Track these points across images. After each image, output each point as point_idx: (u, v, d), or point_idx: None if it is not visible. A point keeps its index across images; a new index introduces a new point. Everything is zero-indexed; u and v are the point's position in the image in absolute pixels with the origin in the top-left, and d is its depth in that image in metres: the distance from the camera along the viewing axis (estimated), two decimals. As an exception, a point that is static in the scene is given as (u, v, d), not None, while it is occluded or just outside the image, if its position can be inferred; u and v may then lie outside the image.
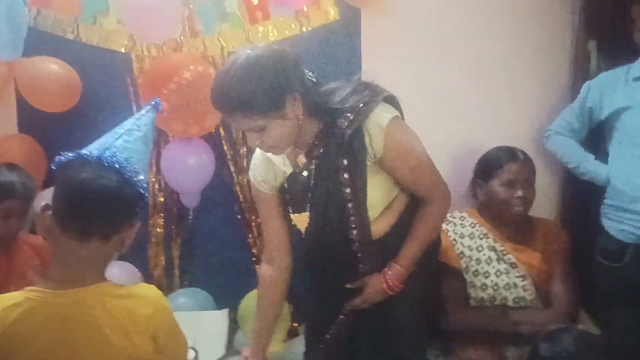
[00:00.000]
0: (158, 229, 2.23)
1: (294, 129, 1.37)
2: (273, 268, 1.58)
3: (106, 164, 1.13)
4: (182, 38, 2.05)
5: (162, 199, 2.21)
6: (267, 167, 1.51)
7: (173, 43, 2.06)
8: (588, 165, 1.91)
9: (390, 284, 1.46)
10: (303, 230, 1.51)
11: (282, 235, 1.57)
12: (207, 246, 2.27)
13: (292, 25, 2.04)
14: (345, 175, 1.39)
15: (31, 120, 2.12)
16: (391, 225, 1.48)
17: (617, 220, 1.81)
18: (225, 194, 2.21)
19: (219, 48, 2.06)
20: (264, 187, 1.53)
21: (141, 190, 1.17)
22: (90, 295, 1.11)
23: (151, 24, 1.88)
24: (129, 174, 1.14)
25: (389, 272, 1.47)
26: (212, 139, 2.13)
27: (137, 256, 2.16)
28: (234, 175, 2.17)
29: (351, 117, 1.36)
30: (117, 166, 1.13)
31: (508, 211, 1.86)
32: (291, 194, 1.50)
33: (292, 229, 1.56)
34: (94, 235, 1.11)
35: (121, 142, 1.19)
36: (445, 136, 2.09)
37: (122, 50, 2.08)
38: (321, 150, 1.42)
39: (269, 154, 1.47)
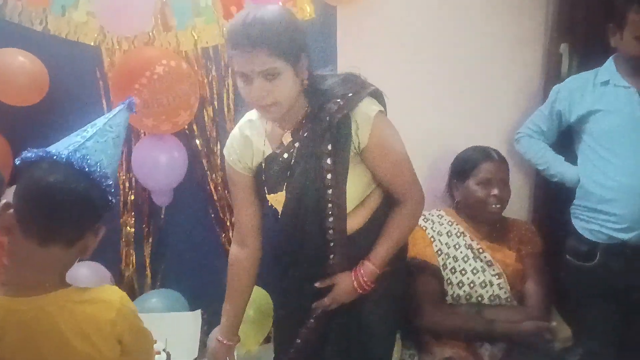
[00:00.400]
0: (129, 228, 2.18)
1: (296, 93, 1.37)
2: (243, 249, 1.57)
3: (76, 167, 1.08)
4: (154, 32, 2.01)
5: (133, 198, 2.16)
6: (245, 146, 1.49)
7: (145, 37, 2.01)
8: (558, 167, 1.95)
9: (362, 281, 1.45)
10: (280, 209, 1.49)
11: (253, 217, 1.56)
12: (180, 246, 2.23)
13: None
14: (328, 161, 1.39)
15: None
16: (364, 222, 1.48)
17: (586, 220, 1.85)
18: (198, 192, 2.17)
19: (192, 43, 2.02)
20: (238, 166, 1.51)
21: (109, 195, 1.13)
22: (52, 302, 1.08)
23: (123, 17, 1.83)
24: (98, 179, 1.10)
25: (361, 270, 1.46)
26: (184, 136, 2.09)
27: (107, 256, 2.12)
28: (208, 173, 2.14)
29: (341, 103, 1.37)
30: (87, 170, 1.09)
31: (485, 210, 1.88)
32: (268, 175, 1.48)
33: (268, 209, 1.54)
34: (57, 241, 1.07)
35: (92, 143, 1.15)
36: (419, 136, 2.07)
37: (92, 43, 2.02)
38: (306, 134, 1.41)
39: (248, 133, 1.48)
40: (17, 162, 1.12)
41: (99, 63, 2.04)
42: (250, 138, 1.49)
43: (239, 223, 1.58)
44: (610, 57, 1.86)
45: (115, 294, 1.15)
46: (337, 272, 1.47)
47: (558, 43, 2.12)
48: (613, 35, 1.79)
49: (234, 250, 1.60)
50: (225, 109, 2.10)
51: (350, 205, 1.45)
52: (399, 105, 1.99)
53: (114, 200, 1.16)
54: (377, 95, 1.47)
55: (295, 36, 1.32)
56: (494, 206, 1.87)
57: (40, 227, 1.06)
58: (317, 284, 1.47)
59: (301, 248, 1.48)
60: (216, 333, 1.65)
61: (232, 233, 2.12)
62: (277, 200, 1.48)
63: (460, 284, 1.85)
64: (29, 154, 1.10)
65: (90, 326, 1.08)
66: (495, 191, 1.87)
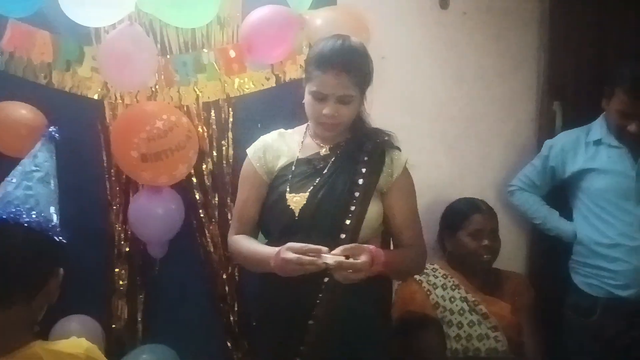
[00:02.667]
0: (121, 281, 2.15)
1: (354, 117, 1.53)
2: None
3: (12, 223, 1.07)
4: (157, 87, 2.05)
5: (127, 249, 2.14)
6: (275, 148, 1.59)
7: (148, 91, 2.05)
8: (554, 222, 1.96)
9: (374, 256, 1.40)
10: (297, 212, 1.50)
11: (255, 214, 1.61)
12: (173, 300, 2.19)
13: (268, 78, 2.06)
14: (360, 181, 1.49)
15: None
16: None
17: (585, 275, 1.84)
18: (194, 245, 2.15)
19: (194, 98, 2.06)
20: (257, 164, 1.59)
21: (56, 236, 1.12)
22: (24, 355, 1.06)
23: (126, 73, 1.87)
24: (36, 225, 1.09)
25: (377, 250, 1.43)
26: (182, 187, 2.10)
27: (98, 309, 2.08)
28: (205, 224, 2.13)
29: (384, 138, 1.55)
30: (21, 221, 1.08)
31: (476, 260, 1.91)
32: (294, 175, 1.54)
33: (281, 210, 1.53)
34: (16, 301, 1.07)
35: (21, 191, 1.14)
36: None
37: (95, 97, 2.06)
38: (344, 152, 1.54)
39: (281, 140, 1.60)
40: None
41: (101, 116, 2.07)
42: (282, 144, 1.60)
43: (241, 216, 1.62)
44: (602, 115, 1.91)
45: (81, 347, 1.12)
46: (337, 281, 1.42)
47: (551, 100, 2.19)
48: (604, 97, 1.85)
49: (231, 236, 1.63)
50: (224, 162, 2.12)
51: (364, 231, 1.48)
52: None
53: (62, 239, 1.14)
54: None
55: (371, 70, 1.52)
56: (485, 257, 1.91)
57: None
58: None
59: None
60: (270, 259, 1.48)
61: (227, 289, 2.11)
62: (297, 201, 1.51)
63: (458, 338, 1.83)
64: None
65: None
66: (485, 242, 1.90)
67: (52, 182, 1.23)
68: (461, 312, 1.86)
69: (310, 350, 1.46)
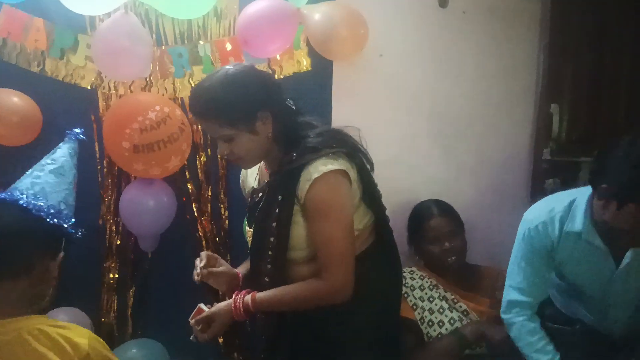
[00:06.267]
0: (112, 274, 2.13)
1: (263, 146, 1.42)
2: None
3: (8, 201, 1.16)
4: (151, 78, 2.03)
5: (118, 242, 2.12)
6: (246, 177, 1.66)
7: (142, 82, 2.03)
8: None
9: (237, 304, 1.42)
10: (250, 244, 1.56)
11: None
12: (163, 294, 2.17)
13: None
14: (277, 210, 1.42)
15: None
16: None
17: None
18: (186, 238, 2.13)
19: (188, 90, 2.04)
20: (244, 190, 1.68)
21: (55, 220, 1.19)
22: (26, 325, 1.12)
23: (121, 63, 1.85)
24: (35, 210, 1.17)
25: (241, 296, 1.43)
26: (174, 180, 2.08)
27: (87, 302, 2.06)
28: (197, 218, 2.11)
29: (295, 157, 1.39)
30: (21, 204, 1.16)
31: (443, 263, 1.92)
32: (250, 208, 1.56)
33: (247, 243, 1.61)
34: (9, 272, 1.12)
35: (29, 179, 1.26)
36: (408, 188, 2.12)
37: (89, 87, 2.03)
38: (273, 180, 1.46)
39: (250, 169, 1.60)
40: None
41: (94, 106, 2.05)
42: (249, 173, 1.64)
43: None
44: (588, 198, 1.49)
45: (83, 328, 1.20)
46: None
47: (548, 102, 2.17)
48: (598, 196, 1.44)
49: None
50: (218, 156, 2.10)
51: (296, 253, 1.44)
52: (389, 157, 2.02)
53: (64, 225, 1.22)
54: (352, 156, 1.44)
55: (248, 99, 1.36)
56: (450, 259, 1.90)
57: None
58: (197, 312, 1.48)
59: (256, 285, 1.48)
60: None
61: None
62: (249, 235, 1.55)
63: (440, 336, 1.82)
64: None
65: (67, 344, 1.12)
66: (446, 244, 1.90)
67: (67, 174, 1.33)
68: (441, 310, 1.86)
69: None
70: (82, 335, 1.16)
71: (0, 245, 1.12)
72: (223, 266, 1.56)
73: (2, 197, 1.18)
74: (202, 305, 1.49)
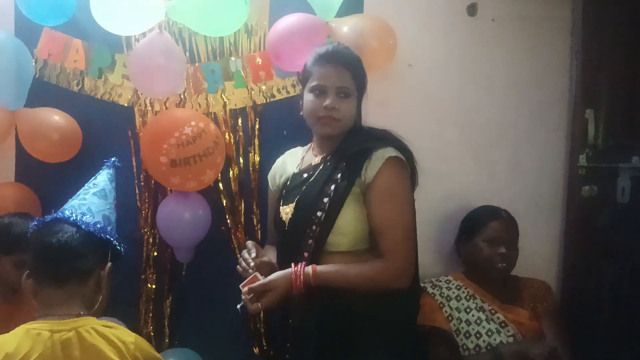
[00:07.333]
0: (149, 285, 2.18)
1: (352, 119, 1.55)
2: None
3: (67, 220, 1.37)
4: (185, 94, 2.08)
5: (155, 254, 2.17)
6: (282, 167, 1.72)
7: (176, 98, 2.08)
8: None
9: (297, 275, 1.42)
10: (287, 222, 1.58)
11: (274, 228, 1.71)
12: (199, 304, 2.20)
13: (295, 86, 2.07)
14: (332, 187, 1.48)
15: (29, 169, 2.11)
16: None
17: None
18: (220, 249, 2.17)
19: (221, 105, 2.09)
20: (270, 183, 1.77)
21: (102, 235, 1.40)
22: (83, 324, 1.31)
23: (156, 81, 1.90)
24: (84, 226, 1.37)
25: (301, 267, 1.43)
26: (209, 193, 2.12)
27: (126, 312, 2.10)
28: (231, 229, 2.14)
29: (363, 140, 1.51)
30: (73, 221, 1.37)
31: (490, 267, 1.87)
32: (287, 189, 1.62)
33: (280, 222, 1.61)
34: (70, 280, 1.33)
35: (77, 201, 1.46)
36: (441, 196, 2.12)
37: (126, 104, 2.10)
38: (330, 161, 1.54)
39: (287, 158, 1.72)
40: (29, 234, 1.42)
41: (131, 123, 2.11)
42: (287, 162, 1.72)
43: (269, 229, 1.80)
44: None
45: (130, 335, 1.38)
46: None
47: (583, 108, 2.13)
48: None
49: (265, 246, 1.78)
50: (251, 169, 2.14)
51: (338, 237, 1.45)
52: (421, 168, 2.02)
53: (110, 238, 1.42)
54: (406, 154, 1.53)
55: (365, 73, 1.59)
56: (500, 265, 1.86)
57: (54, 272, 1.34)
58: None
59: (290, 257, 1.50)
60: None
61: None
62: (287, 212, 1.57)
63: (478, 348, 1.80)
64: (35, 222, 1.42)
65: (118, 343, 1.32)
66: (502, 249, 1.86)
67: (108, 196, 1.52)
68: (478, 321, 1.83)
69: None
70: (129, 334, 1.37)
71: (67, 254, 1.34)
72: (265, 256, 1.58)
73: (56, 216, 1.39)
74: (257, 274, 1.47)
